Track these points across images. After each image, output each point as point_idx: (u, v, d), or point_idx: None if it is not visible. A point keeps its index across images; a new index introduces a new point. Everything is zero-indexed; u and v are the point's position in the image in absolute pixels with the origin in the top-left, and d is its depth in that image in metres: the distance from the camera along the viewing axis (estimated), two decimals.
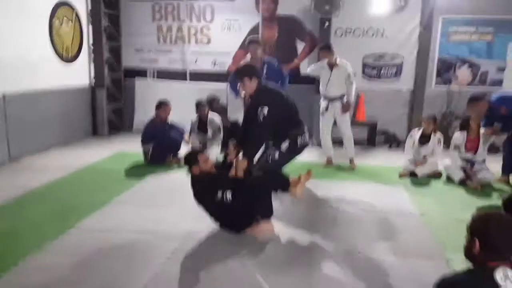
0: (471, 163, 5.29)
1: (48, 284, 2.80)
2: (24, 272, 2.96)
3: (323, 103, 5.91)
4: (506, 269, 1.66)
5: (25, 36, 6.10)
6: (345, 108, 5.77)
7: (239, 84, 3.93)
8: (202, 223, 3.71)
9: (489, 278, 1.64)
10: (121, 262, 3.13)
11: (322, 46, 5.78)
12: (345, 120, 5.87)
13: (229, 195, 3.36)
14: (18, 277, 2.89)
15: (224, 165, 3.89)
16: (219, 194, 3.37)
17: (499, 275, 1.64)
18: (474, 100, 5.11)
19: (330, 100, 5.80)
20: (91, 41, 7.73)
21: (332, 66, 5.68)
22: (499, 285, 1.62)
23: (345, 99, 5.75)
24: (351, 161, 5.94)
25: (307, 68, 7.69)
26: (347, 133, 5.90)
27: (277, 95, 3.89)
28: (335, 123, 5.94)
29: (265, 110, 3.60)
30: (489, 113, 5.08)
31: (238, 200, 3.40)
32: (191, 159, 3.66)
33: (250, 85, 3.79)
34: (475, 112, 5.14)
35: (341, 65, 5.69)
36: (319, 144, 6.30)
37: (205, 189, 3.55)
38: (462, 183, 5.13)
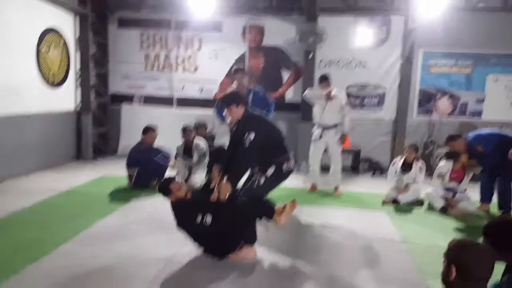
0: (453, 192, 5.38)
1: None
2: None
3: (316, 131, 5.98)
4: None
5: (11, 60, 6.12)
6: (342, 140, 5.87)
7: (225, 110, 3.98)
8: (185, 248, 3.68)
9: None
10: (103, 286, 3.07)
11: (321, 78, 5.85)
12: (338, 150, 5.96)
13: (208, 218, 3.36)
14: None
15: (205, 189, 3.89)
16: (199, 218, 3.37)
17: None
18: (451, 139, 5.32)
19: (324, 128, 5.89)
20: (78, 67, 7.77)
21: (328, 96, 5.77)
22: None
23: (339, 129, 5.84)
24: (336, 188, 5.99)
25: (291, 96, 7.91)
26: (337, 162, 5.97)
27: (264, 122, 3.96)
28: (325, 150, 6.02)
29: (252, 135, 3.65)
30: (472, 155, 5.23)
31: (219, 223, 3.40)
32: (164, 189, 3.63)
33: (237, 112, 3.85)
34: (454, 149, 5.30)
35: (336, 96, 5.80)
36: (304, 170, 6.34)
37: (184, 215, 3.53)
38: (443, 211, 5.20)
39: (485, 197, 5.45)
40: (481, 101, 7.57)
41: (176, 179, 3.81)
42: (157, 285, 3.13)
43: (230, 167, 3.82)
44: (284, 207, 3.73)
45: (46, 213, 4.69)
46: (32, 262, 3.39)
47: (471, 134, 5.33)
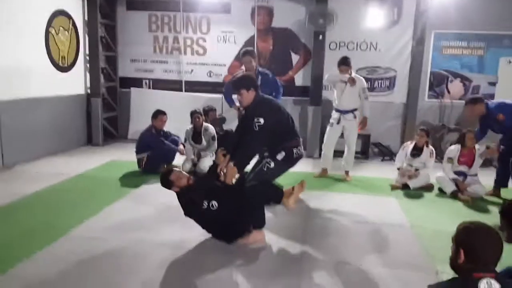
0: (464, 176, 5.34)
1: None
2: (13, 280, 2.95)
3: (334, 115, 5.91)
4: (490, 280, 1.68)
5: (21, 45, 6.14)
6: (363, 124, 5.82)
7: (236, 95, 3.94)
8: (193, 233, 3.71)
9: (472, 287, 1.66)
10: (111, 270, 3.12)
11: (341, 62, 5.71)
12: (354, 135, 5.92)
13: (215, 203, 3.38)
14: (7, 284, 2.88)
15: (212, 173, 3.90)
16: (205, 204, 3.39)
17: (483, 285, 1.66)
18: (472, 101, 5.22)
19: (343, 112, 5.84)
20: (87, 51, 7.77)
21: (351, 81, 5.66)
22: None
23: (357, 114, 5.79)
24: (347, 173, 5.98)
25: (301, 79, 7.84)
26: (352, 147, 5.95)
27: (274, 106, 3.91)
28: (341, 136, 5.99)
29: (261, 120, 3.61)
30: (485, 119, 5.16)
31: (225, 208, 3.42)
32: (165, 183, 3.64)
33: (247, 96, 3.81)
34: (471, 113, 5.21)
35: (356, 80, 5.71)
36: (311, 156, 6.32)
37: (190, 203, 3.55)
38: (454, 195, 5.17)
39: (498, 182, 5.38)
40: (493, 83, 7.43)
41: (177, 167, 3.81)
42: (166, 269, 3.17)
43: (238, 151, 3.82)
44: (292, 189, 3.73)
45: (56, 197, 4.76)
46: (42, 246, 3.45)
47: (494, 101, 5.21)
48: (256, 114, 3.66)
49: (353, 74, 5.75)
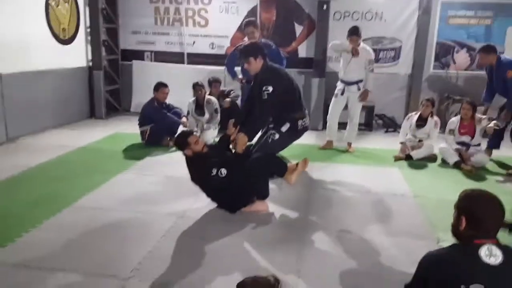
0: (467, 146, 5.33)
1: (44, 260, 2.84)
2: (20, 248, 3.00)
3: (339, 86, 5.85)
4: (491, 246, 1.68)
5: (21, 17, 6.05)
6: (363, 96, 5.75)
7: (244, 63, 3.89)
8: (198, 203, 3.75)
9: (473, 254, 1.67)
10: (116, 239, 3.17)
11: (351, 31, 5.53)
12: (358, 107, 5.87)
13: (224, 171, 3.40)
14: (15, 253, 2.93)
15: (221, 143, 3.92)
16: (214, 171, 3.41)
17: (484, 251, 1.67)
18: (485, 50, 5.23)
19: (347, 84, 5.77)
20: (87, 23, 7.67)
21: (354, 51, 5.56)
22: (483, 260, 1.65)
23: (362, 86, 5.72)
24: (350, 145, 5.96)
25: (304, 51, 7.73)
26: (355, 119, 5.91)
27: (283, 75, 3.87)
28: (345, 107, 5.94)
29: (270, 88, 3.59)
30: (493, 73, 5.17)
31: (234, 176, 3.44)
32: (181, 142, 3.65)
33: (255, 65, 3.76)
34: (482, 61, 5.24)
35: (363, 51, 5.61)
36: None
37: (200, 169, 3.58)
38: (457, 166, 5.17)
39: (495, 143, 5.49)
40: (500, 54, 7.28)
41: (195, 132, 3.83)
42: (171, 238, 3.21)
43: (248, 120, 3.81)
44: (296, 166, 3.75)
45: (60, 169, 4.79)
46: (48, 217, 3.50)
47: (507, 57, 5.29)
48: (264, 82, 3.63)
49: (362, 45, 5.65)
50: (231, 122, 3.94)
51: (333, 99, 5.96)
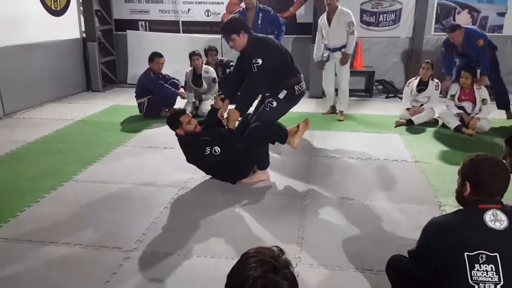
0: (468, 112, 5.27)
1: (47, 234, 2.85)
2: (23, 222, 3.01)
3: (325, 53, 5.77)
4: (496, 211, 1.67)
5: None
6: (343, 60, 5.66)
7: (229, 42, 3.77)
8: (198, 173, 3.75)
9: (477, 219, 1.66)
10: (119, 212, 3.18)
11: None
12: (343, 73, 5.78)
13: (217, 149, 3.36)
14: (17, 227, 2.94)
15: (211, 116, 3.85)
16: (208, 150, 3.36)
17: (489, 216, 1.66)
18: (451, 30, 5.26)
19: (331, 51, 5.69)
20: None
21: (329, 16, 5.48)
22: (487, 226, 1.64)
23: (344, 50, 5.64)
24: (341, 113, 5.89)
25: (303, 15, 7.56)
26: (342, 86, 5.83)
27: (270, 44, 3.73)
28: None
29: (259, 61, 3.48)
30: (454, 45, 5.31)
31: (228, 152, 3.40)
32: (173, 122, 3.55)
33: (240, 40, 3.60)
34: (454, 41, 5.25)
35: (340, 14, 5.49)
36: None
37: (193, 150, 3.53)
38: (458, 130, 5.14)
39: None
40: (502, 14, 7.14)
41: (186, 111, 3.75)
42: (173, 209, 3.23)
43: (239, 94, 3.74)
44: (297, 128, 3.69)
45: (60, 143, 4.76)
46: (49, 191, 3.50)
47: (468, 27, 5.56)
48: (253, 56, 3.53)
49: (340, 8, 5.52)
50: (217, 95, 3.85)
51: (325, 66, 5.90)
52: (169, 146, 4.53)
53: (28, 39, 6.22)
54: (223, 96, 3.79)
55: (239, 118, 3.65)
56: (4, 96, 5.77)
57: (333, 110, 6.02)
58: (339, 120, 5.79)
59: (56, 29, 6.91)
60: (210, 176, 3.73)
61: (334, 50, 5.67)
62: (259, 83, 3.65)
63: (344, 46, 5.61)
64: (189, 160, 3.61)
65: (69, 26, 7.33)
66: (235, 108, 3.58)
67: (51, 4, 6.77)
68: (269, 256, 1.16)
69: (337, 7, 5.49)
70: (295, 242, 2.74)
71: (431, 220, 1.79)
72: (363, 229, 2.92)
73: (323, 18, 5.69)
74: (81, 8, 7.51)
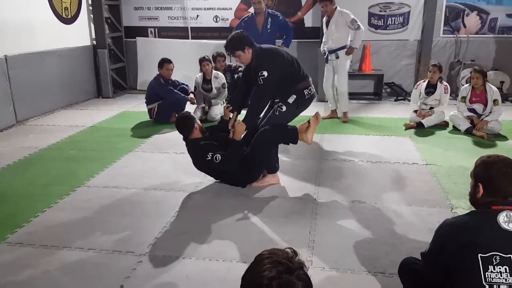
0: (479, 114, 5.22)
1: (60, 239, 2.88)
2: (36, 228, 3.05)
3: (325, 55, 5.83)
4: (510, 212, 1.66)
5: None
6: (347, 51, 5.68)
7: (235, 59, 3.78)
8: (209, 178, 3.77)
9: (491, 220, 1.65)
10: (131, 216, 3.20)
11: None
12: (342, 75, 5.80)
13: (218, 157, 3.38)
14: (31, 232, 2.98)
15: (221, 127, 3.87)
16: (209, 155, 3.39)
17: (502, 217, 1.65)
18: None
19: (329, 52, 5.74)
20: (89, 0, 7.55)
21: (329, 18, 5.54)
22: (501, 227, 1.63)
23: (341, 53, 5.67)
24: (344, 114, 5.91)
25: (311, 20, 7.58)
26: (341, 87, 5.85)
27: (275, 56, 3.71)
28: None
29: (265, 73, 3.48)
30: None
31: (228, 164, 3.44)
32: (181, 126, 3.60)
33: (245, 56, 3.60)
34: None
35: (339, 16, 5.52)
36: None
37: (196, 154, 3.56)
38: (468, 132, 5.10)
39: None
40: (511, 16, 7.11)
41: (195, 117, 3.79)
42: (184, 213, 3.25)
43: (247, 107, 3.75)
44: (308, 123, 3.66)
45: (71, 149, 4.81)
46: (62, 196, 3.54)
47: None
48: (258, 68, 3.53)
49: (338, 9, 5.55)
50: (225, 107, 3.87)
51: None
52: (179, 151, 4.55)
53: (39, 47, 6.32)
54: (231, 107, 3.81)
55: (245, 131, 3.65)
56: (17, 103, 5.85)
57: (333, 114, 6.02)
58: (344, 122, 5.80)
59: (67, 36, 7.02)
60: (219, 182, 3.75)
61: (331, 52, 5.70)
62: (266, 96, 3.65)
63: (341, 48, 5.65)
64: (195, 165, 3.64)
65: (80, 34, 7.43)
66: (242, 120, 3.59)
67: (62, 12, 6.88)
68: (283, 257, 1.17)
69: (335, 9, 5.53)
70: (307, 246, 2.74)
71: (444, 221, 1.79)
72: (374, 232, 2.91)
73: (324, 19, 5.77)
74: (91, 15, 7.61)
